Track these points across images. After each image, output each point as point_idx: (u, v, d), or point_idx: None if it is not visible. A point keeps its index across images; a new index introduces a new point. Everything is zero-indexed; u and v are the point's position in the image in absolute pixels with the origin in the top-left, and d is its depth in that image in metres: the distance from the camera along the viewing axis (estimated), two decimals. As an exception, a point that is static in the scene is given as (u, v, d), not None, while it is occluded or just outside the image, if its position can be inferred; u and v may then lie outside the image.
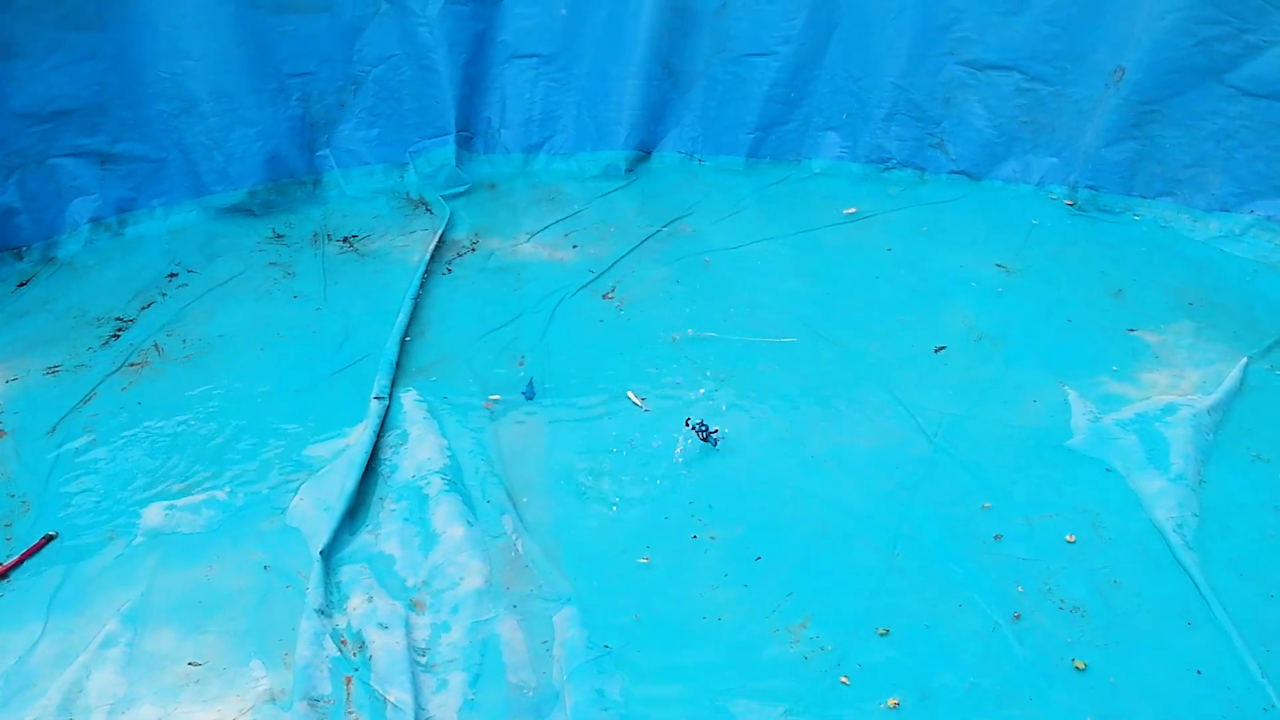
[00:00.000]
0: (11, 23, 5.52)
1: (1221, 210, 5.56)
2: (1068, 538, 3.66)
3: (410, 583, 3.60)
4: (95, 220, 6.00)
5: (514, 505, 3.92)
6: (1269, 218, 5.42)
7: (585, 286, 5.38)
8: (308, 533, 3.81)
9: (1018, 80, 6.05)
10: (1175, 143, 5.66)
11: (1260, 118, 5.39)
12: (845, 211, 6.03)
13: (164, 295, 5.44)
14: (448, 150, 6.56)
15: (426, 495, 3.93)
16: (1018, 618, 3.38)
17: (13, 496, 4.08)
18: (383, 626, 3.37)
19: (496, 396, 4.56)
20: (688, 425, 4.22)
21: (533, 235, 5.93)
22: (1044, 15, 5.87)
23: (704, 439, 4.16)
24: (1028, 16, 5.91)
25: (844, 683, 3.22)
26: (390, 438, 4.29)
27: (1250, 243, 5.42)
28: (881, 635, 3.35)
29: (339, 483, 3.99)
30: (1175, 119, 5.62)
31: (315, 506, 3.92)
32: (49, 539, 3.85)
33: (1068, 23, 5.84)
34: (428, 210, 6.26)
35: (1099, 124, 5.82)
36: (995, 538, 3.68)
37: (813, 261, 5.55)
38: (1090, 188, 5.90)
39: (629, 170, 6.63)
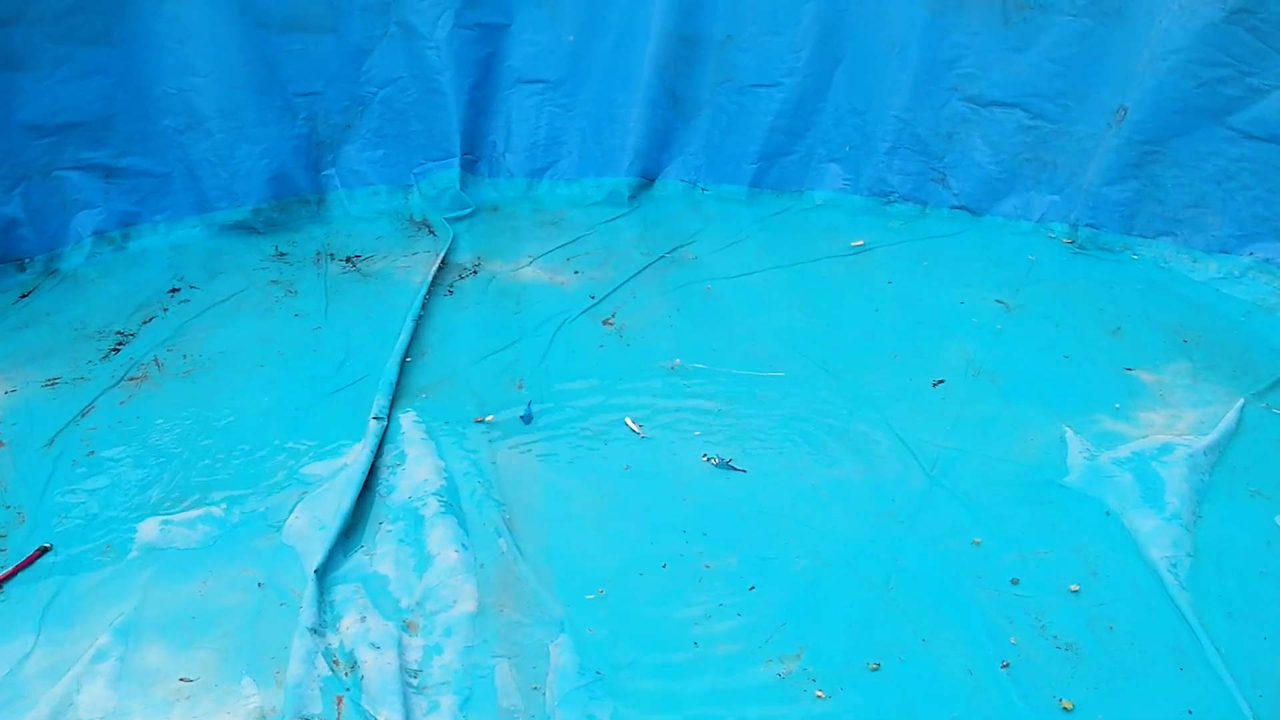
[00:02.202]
0: (21, 36, 5.55)
1: (1221, 251, 5.59)
2: (1072, 588, 3.64)
3: (404, 604, 3.59)
4: (98, 233, 6.02)
5: (509, 529, 3.92)
6: (1268, 260, 5.45)
7: (586, 312, 5.40)
8: (303, 551, 3.80)
9: (1020, 117, 6.09)
10: (1176, 183, 5.69)
11: (1261, 160, 5.42)
12: (852, 244, 6.05)
13: (165, 310, 5.45)
14: (452, 173, 6.60)
15: (422, 517, 3.93)
16: (1006, 665, 3.36)
17: (8, 508, 4.07)
18: (375, 647, 3.37)
19: (491, 417, 4.57)
20: (705, 459, 4.26)
21: (535, 259, 5.95)
22: (1048, 54, 5.91)
23: (724, 466, 4.24)
24: (1031, 54, 5.95)
25: (820, 697, 3.23)
26: (388, 458, 4.29)
27: (1249, 284, 5.44)
28: (873, 669, 3.35)
29: (335, 502, 3.99)
30: (1176, 159, 5.65)
31: (311, 525, 3.92)
32: (43, 551, 3.85)
33: (1071, 61, 5.88)
34: (431, 232, 6.28)
35: (1100, 163, 5.85)
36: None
37: (813, 293, 5.57)
38: (1091, 226, 5.93)
39: (632, 197, 6.66)
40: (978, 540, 3.85)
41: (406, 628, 3.50)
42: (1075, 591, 3.62)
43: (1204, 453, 4.21)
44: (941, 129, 6.29)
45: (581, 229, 6.32)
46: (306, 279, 5.77)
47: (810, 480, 4.18)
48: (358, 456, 4.24)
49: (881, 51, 6.29)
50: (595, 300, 5.50)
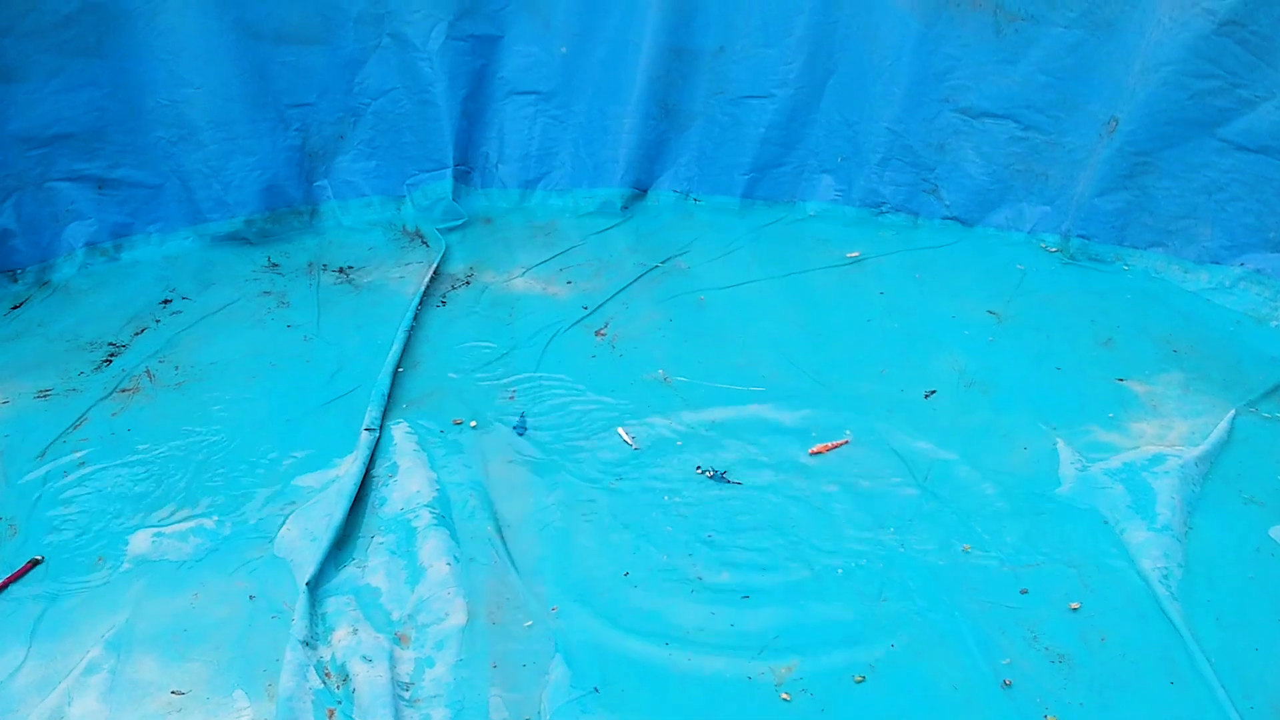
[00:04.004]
0: (13, 48, 5.54)
1: (1212, 262, 5.60)
2: (1072, 605, 3.64)
3: (396, 616, 3.59)
4: (91, 245, 6.01)
5: (502, 540, 3.92)
6: (1258, 271, 5.46)
7: (578, 322, 5.40)
8: (295, 563, 3.80)
9: (1012, 128, 6.10)
10: (1167, 194, 5.70)
11: (1251, 171, 5.43)
12: (848, 255, 6.05)
13: (157, 321, 5.45)
14: (445, 184, 6.59)
15: (415, 528, 3.93)
16: (1007, 682, 3.36)
17: (0, 520, 4.07)
18: (367, 660, 3.36)
19: (475, 423, 4.58)
20: (699, 471, 4.26)
21: (527, 270, 5.95)
22: (1039, 65, 5.92)
23: (719, 478, 4.23)
24: (1023, 66, 5.96)
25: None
26: (380, 470, 4.29)
27: (1240, 295, 5.45)
28: (858, 682, 3.34)
29: (327, 514, 3.99)
30: (1167, 171, 5.66)
31: (303, 537, 3.92)
32: (35, 563, 3.84)
33: (1062, 73, 5.89)
34: (423, 243, 6.28)
35: (1092, 174, 5.87)
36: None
37: (806, 303, 5.58)
38: (1082, 237, 5.93)
39: (624, 208, 6.66)
40: (968, 548, 3.85)
41: (398, 640, 3.49)
42: (1068, 603, 3.62)
43: (1195, 463, 4.22)
44: (933, 140, 6.30)
45: (574, 240, 6.32)
46: (299, 290, 5.76)
47: (802, 490, 4.19)
48: (349, 468, 4.23)
49: (873, 63, 6.30)
50: (588, 311, 5.50)
